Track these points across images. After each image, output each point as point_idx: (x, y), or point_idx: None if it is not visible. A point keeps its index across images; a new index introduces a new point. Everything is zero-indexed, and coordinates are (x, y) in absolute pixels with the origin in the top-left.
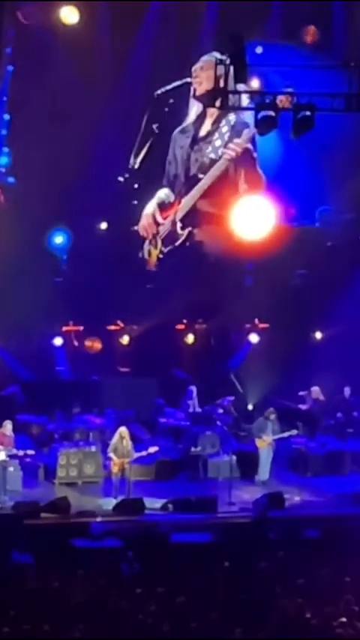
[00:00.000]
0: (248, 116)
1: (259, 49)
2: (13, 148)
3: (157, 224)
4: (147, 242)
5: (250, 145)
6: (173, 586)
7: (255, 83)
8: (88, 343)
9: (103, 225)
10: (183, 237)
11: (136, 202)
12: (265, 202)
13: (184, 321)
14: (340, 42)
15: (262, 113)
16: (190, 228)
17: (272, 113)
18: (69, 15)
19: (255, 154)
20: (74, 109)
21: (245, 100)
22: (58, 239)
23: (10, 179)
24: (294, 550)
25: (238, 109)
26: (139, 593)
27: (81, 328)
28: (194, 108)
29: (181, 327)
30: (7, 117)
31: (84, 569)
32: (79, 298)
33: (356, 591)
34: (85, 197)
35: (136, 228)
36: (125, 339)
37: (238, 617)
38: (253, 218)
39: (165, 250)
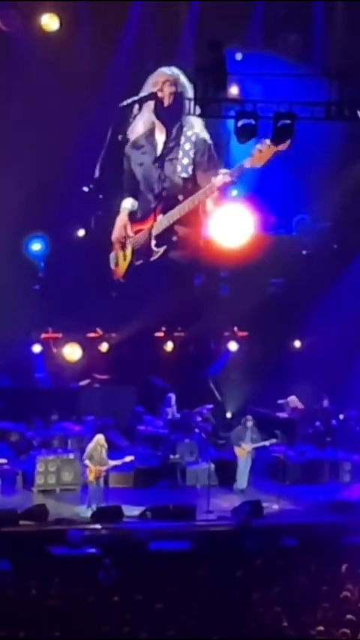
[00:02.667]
0: (204, 133)
1: (238, 56)
2: None
3: (127, 235)
4: (114, 252)
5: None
6: (151, 594)
7: (234, 90)
8: (66, 350)
9: (81, 233)
10: (158, 255)
11: (100, 213)
12: (243, 211)
13: (163, 328)
14: (320, 50)
15: (242, 121)
16: (165, 247)
17: (252, 121)
18: (50, 22)
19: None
20: (52, 116)
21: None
22: (36, 246)
23: None
24: (272, 558)
25: (218, 117)
26: (117, 601)
27: (60, 335)
28: (141, 120)
29: (160, 334)
30: None
31: (61, 577)
32: (57, 305)
33: (333, 600)
34: (62, 204)
35: (102, 238)
36: (104, 347)
37: (215, 625)
38: (232, 226)
39: (137, 263)
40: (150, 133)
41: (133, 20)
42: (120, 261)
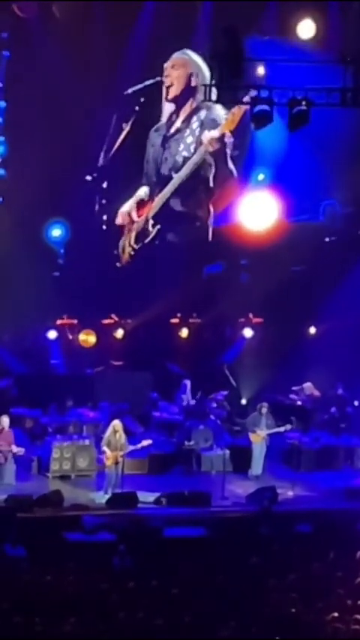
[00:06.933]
0: (218, 112)
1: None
2: (9, 138)
3: (132, 222)
4: (122, 238)
5: (226, 140)
6: (166, 580)
7: (261, 71)
8: (82, 337)
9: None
10: (152, 235)
11: (104, 202)
12: (269, 197)
13: (179, 315)
14: (335, 36)
15: (258, 108)
16: (159, 226)
17: (267, 108)
18: (67, 9)
19: (227, 151)
20: (70, 102)
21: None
22: (56, 232)
23: (1, 171)
24: (286, 545)
25: (234, 102)
26: (132, 587)
27: (75, 322)
28: (167, 106)
29: (175, 321)
30: (2, 104)
31: (76, 563)
32: (73, 292)
33: (348, 586)
34: (83, 191)
35: (104, 227)
36: (119, 333)
37: (230, 611)
38: (258, 212)
39: (136, 247)
40: (170, 117)
41: (149, 6)
42: (126, 246)
